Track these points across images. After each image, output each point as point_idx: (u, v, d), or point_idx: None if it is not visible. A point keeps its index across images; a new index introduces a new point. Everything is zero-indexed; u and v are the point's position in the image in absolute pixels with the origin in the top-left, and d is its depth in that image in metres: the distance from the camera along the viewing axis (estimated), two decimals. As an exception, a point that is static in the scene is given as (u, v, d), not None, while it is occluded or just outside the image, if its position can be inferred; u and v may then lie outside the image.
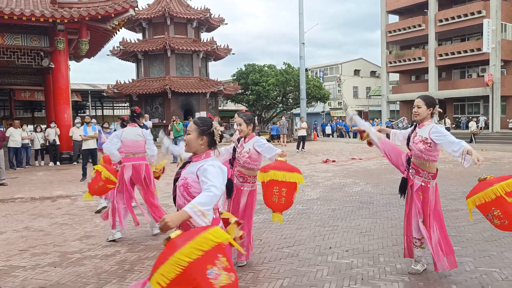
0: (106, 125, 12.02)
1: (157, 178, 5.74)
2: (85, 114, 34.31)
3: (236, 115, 4.40)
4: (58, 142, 14.37)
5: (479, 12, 33.43)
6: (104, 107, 45.89)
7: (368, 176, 9.94)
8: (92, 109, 40.28)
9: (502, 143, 19.56)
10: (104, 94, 28.72)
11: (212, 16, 27.78)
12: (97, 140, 10.95)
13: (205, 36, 29.38)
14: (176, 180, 2.62)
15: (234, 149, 4.22)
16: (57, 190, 9.12)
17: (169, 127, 15.30)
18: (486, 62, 33.91)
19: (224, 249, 2.07)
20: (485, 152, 14.52)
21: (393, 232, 5.16)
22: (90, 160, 10.69)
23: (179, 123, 15.05)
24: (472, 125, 20.43)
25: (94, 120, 11.87)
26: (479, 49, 33.47)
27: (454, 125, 33.69)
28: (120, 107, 46.01)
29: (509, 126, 32.01)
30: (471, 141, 19.03)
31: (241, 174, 4.13)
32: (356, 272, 3.89)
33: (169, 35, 26.27)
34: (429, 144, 3.59)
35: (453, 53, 36.17)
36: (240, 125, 4.11)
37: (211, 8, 31.51)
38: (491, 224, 3.22)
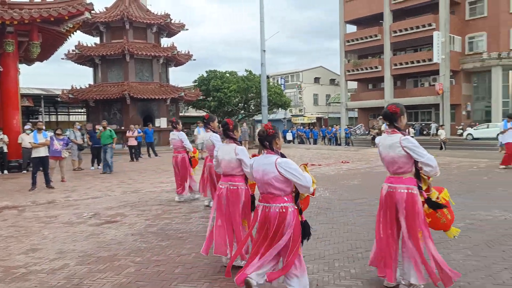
0: (59, 131, 11.56)
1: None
2: (37, 120, 32.75)
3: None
4: (5, 150, 13.60)
5: (430, 24, 35.23)
6: (59, 113, 44.09)
7: (326, 182, 10.11)
8: (45, 114, 38.61)
9: (452, 149, 20.58)
10: (59, 99, 27.61)
11: (172, 21, 27.52)
12: (48, 147, 10.48)
13: (165, 41, 29.07)
14: None
15: None
16: (3, 200, 8.61)
17: (97, 135, 13.93)
18: (436, 72, 35.72)
19: None
20: (436, 157, 15.21)
21: (349, 237, 5.25)
22: (41, 169, 10.18)
23: (108, 130, 13.74)
24: (442, 133, 20.90)
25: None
26: (430, 60, 35.21)
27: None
28: (76, 113, 44.40)
29: (458, 133, 33.79)
30: (441, 148, 19.69)
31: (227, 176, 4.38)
32: (311, 278, 3.91)
33: (128, 39, 25.73)
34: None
35: (406, 63, 37.83)
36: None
37: (172, 13, 31.18)
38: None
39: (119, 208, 7.60)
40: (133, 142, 17.77)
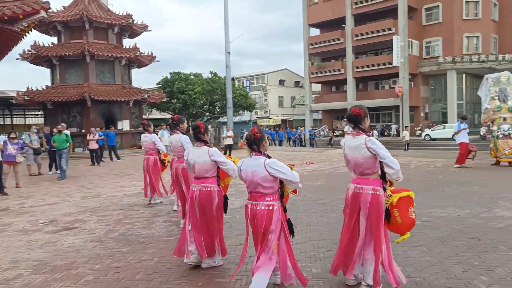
0: (13, 135, 11.05)
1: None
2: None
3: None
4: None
5: (389, 29, 36.47)
6: (14, 116, 42.11)
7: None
8: (-1, 117, 36.78)
9: (411, 149, 21.36)
10: (14, 101, 26.36)
11: (134, 22, 26.95)
12: (1, 151, 9.98)
13: (127, 42, 28.45)
14: None
15: None
16: (-48, 209, 8.11)
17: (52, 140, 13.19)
18: (396, 75, 37.01)
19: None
20: (396, 157, 15.74)
21: (312, 238, 5.33)
22: (-6, 174, 9.67)
23: (63, 134, 13.01)
24: (406, 134, 21.41)
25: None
26: (390, 63, 36.43)
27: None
28: (33, 116, 42.57)
29: (417, 134, 35.15)
30: (406, 149, 20.29)
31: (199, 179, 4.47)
32: (273, 278, 3.94)
33: (88, 40, 24.97)
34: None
35: (368, 66, 38.96)
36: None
37: (135, 14, 30.54)
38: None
39: (78, 214, 7.35)
40: (94, 145, 17.24)
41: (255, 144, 3.55)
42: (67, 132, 14.37)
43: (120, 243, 5.38)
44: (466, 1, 36.59)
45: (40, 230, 6.26)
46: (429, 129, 33.48)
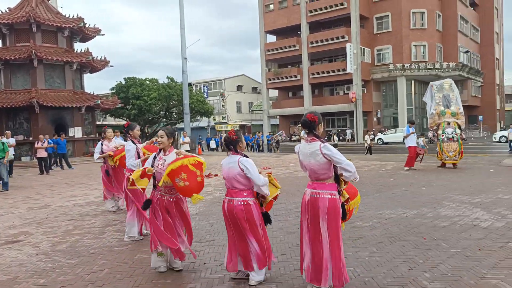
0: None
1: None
2: None
3: (160, 131, 4.47)
4: None
5: (343, 37, 37.70)
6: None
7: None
8: None
9: (365, 153, 22.10)
10: (-48, 107, 24.56)
11: (86, 25, 26.07)
12: None
13: (79, 46, 27.44)
14: None
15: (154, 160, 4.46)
16: None
17: None
18: (350, 81, 38.25)
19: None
20: (350, 161, 16.22)
21: (266, 242, 5.37)
22: None
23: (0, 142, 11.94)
24: (367, 138, 21.94)
25: None
26: (344, 70, 37.61)
27: (326, 138, 37.19)
28: (-25, 123, 39.81)
29: (370, 138, 36.39)
30: (369, 153, 20.87)
31: (166, 186, 4.31)
32: (227, 285, 3.93)
33: (36, 43, 23.84)
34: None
35: (323, 72, 40.00)
36: (161, 137, 4.35)
37: (87, 17, 29.54)
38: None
39: (23, 226, 6.97)
40: (42, 153, 16.44)
41: (232, 145, 3.93)
42: (5, 140, 13.39)
43: (68, 255, 5.15)
44: (413, 12, 38.57)
45: (-20, 245, 5.87)
46: (382, 133, 34.82)
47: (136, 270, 4.47)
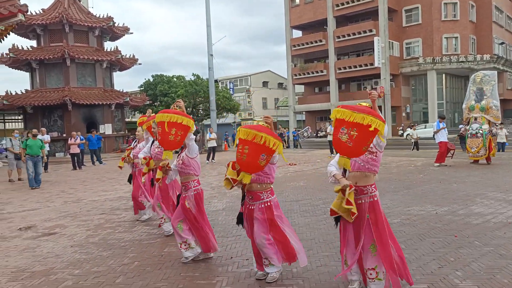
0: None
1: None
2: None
3: None
4: None
5: (370, 30, 36.98)
6: (-7, 121, 41.09)
7: (273, 184, 10.25)
8: (-23, 122, 35.92)
9: (393, 149, 21.71)
10: (-8, 106, 25.75)
11: (116, 24, 26.68)
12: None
13: (109, 45, 28.15)
14: None
15: None
16: None
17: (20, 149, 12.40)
18: (378, 76, 37.51)
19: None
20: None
21: (292, 237, 5.38)
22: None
23: (38, 140, 12.03)
24: (413, 133, 20.44)
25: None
26: (371, 64, 36.91)
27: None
28: (13, 120, 41.64)
29: (399, 133, 35.68)
30: (414, 149, 19.37)
31: (182, 183, 4.60)
32: (254, 280, 3.97)
33: (68, 43, 24.61)
34: (375, 154, 3.44)
35: (350, 67, 39.39)
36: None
37: (117, 16, 30.32)
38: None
39: (58, 219, 7.26)
40: (75, 149, 17.00)
41: None
42: (41, 137, 13.87)
43: (100, 247, 5.34)
44: (444, 3, 37.36)
45: (19, 236, 6.16)
46: (411, 129, 34.00)
47: (165, 263, 4.58)
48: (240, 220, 3.97)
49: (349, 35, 38.67)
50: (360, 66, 38.55)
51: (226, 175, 3.73)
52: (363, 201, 3.42)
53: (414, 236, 5.17)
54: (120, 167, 7.23)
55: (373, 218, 3.39)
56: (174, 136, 4.25)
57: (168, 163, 4.57)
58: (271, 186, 3.98)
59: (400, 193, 8.25)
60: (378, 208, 3.43)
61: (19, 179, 13.48)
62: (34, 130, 12.89)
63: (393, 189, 8.51)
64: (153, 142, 5.84)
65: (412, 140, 20.17)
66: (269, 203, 3.86)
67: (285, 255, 3.86)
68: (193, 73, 33.99)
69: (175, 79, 33.05)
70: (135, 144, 7.03)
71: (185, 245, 4.52)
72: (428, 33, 37.57)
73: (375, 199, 3.43)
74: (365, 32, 37.47)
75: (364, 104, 3.59)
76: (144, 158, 5.64)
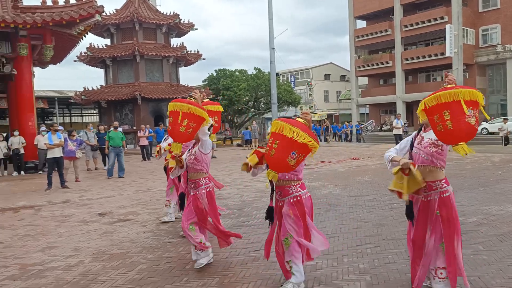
0: (74, 133, 11.79)
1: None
2: (51, 122, 33.33)
3: None
4: (22, 151, 13.88)
5: (442, 18, 34.76)
6: (72, 114, 44.79)
7: (336, 179, 10.11)
8: (59, 116, 39.25)
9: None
10: (72, 101, 28.03)
11: (181, 21, 27.66)
12: (63, 148, 10.68)
13: (175, 41, 29.22)
14: None
15: None
16: (20, 200, 8.82)
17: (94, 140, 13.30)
18: (449, 66, 35.20)
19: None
20: (452, 153, 15.04)
21: (358, 233, 5.27)
22: (56, 169, 10.38)
23: (119, 132, 12.71)
24: (505, 126, 17.98)
25: (61, 128, 11.53)
26: (442, 54, 34.74)
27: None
28: (89, 114, 45.03)
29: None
30: (507, 143, 17.56)
31: (191, 179, 4.33)
32: (320, 273, 3.95)
33: (138, 40, 25.97)
34: (440, 147, 3.23)
35: (418, 57, 37.40)
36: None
37: (180, 13, 31.35)
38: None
39: (131, 207, 7.73)
40: (144, 142, 17.97)
41: None
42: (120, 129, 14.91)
43: (170, 235, 5.61)
44: (527, -16, 34.07)
45: (97, 221, 6.66)
46: (486, 122, 31.56)
47: (231, 252, 4.70)
48: (269, 215, 3.64)
49: (417, 23, 36.68)
50: (430, 56, 36.46)
51: (247, 161, 3.57)
52: (432, 197, 3.23)
53: (493, 237, 4.82)
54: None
55: (444, 215, 3.19)
56: (185, 128, 3.92)
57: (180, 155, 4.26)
58: (302, 180, 3.69)
59: (476, 190, 7.72)
60: (450, 205, 3.22)
61: (96, 169, 14.54)
62: (115, 123, 13.68)
63: (468, 187, 7.99)
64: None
65: (502, 134, 18.20)
66: (299, 197, 3.56)
67: (306, 255, 3.66)
68: (254, 67, 34.24)
69: (237, 73, 33.56)
70: (166, 136, 6.69)
71: (200, 247, 4.21)
72: (507, 18, 34.46)
73: (447, 194, 3.22)
74: (435, 19, 35.31)
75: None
76: (169, 144, 5.21)
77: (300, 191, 3.58)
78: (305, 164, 3.78)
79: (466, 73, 36.36)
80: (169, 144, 5.38)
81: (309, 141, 3.24)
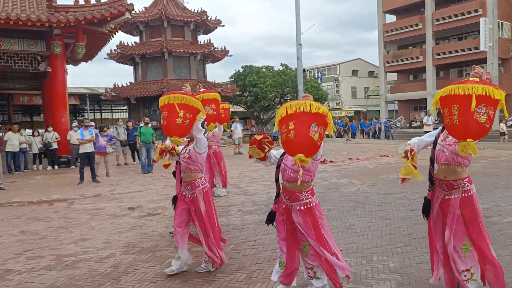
0: (105, 129, 12.10)
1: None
2: (83, 118, 34.32)
3: None
4: (55, 146, 14.37)
5: (476, 10, 33.52)
6: (103, 110, 45.93)
7: (365, 176, 9.95)
8: (90, 112, 40.34)
9: (499, 141, 19.56)
10: (102, 97, 28.76)
11: (208, 18, 27.83)
12: (94, 143, 10.98)
13: (202, 38, 29.44)
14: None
15: None
16: (55, 193, 9.14)
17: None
18: (483, 61, 33.95)
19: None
20: (483, 150, 14.54)
21: (388, 231, 5.17)
22: (87, 164, 10.70)
23: (150, 128, 12.78)
24: None
25: (92, 124, 11.85)
26: (476, 48, 33.54)
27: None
28: (119, 110, 46.04)
29: (508, 124, 32.00)
30: None
31: (185, 181, 4.04)
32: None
33: (166, 37, 26.30)
34: None
35: (450, 52, 36.25)
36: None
37: (208, 10, 31.50)
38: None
39: (160, 201, 7.87)
40: (172, 137, 18.21)
41: None
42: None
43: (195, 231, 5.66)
44: None
45: (128, 215, 6.82)
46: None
47: (259, 248, 4.71)
48: (271, 219, 3.45)
49: (450, 17, 35.50)
50: (463, 50, 35.24)
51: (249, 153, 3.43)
52: (453, 196, 3.11)
53: (530, 239, 4.63)
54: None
55: (466, 215, 3.07)
56: (182, 119, 3.63)
57: (173, 146, 4.01)
58: (312, 185, 3.44)
59: (511, 189, 7.42)
60: (473, 204, 3.09)
61: (125, 164, 14.88)
62: (146, 119, 13.70)
63: (503, 185, 7.69)
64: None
65: None
66: (310, 205, 3.32)
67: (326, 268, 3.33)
68: (281, 63, 34.13)
69: (264, 70, 33.51)
70: None
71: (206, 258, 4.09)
72: (547, 10, 32.89)
73: (469, 194, 3.09)
74: (469, 12, 34.07)
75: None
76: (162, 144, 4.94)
77: (310, 197, 3.36)
78: (320, 162, 3.67)
79: (502, 68, 34.96)
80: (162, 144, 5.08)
81: (321, 109, 3.01)
